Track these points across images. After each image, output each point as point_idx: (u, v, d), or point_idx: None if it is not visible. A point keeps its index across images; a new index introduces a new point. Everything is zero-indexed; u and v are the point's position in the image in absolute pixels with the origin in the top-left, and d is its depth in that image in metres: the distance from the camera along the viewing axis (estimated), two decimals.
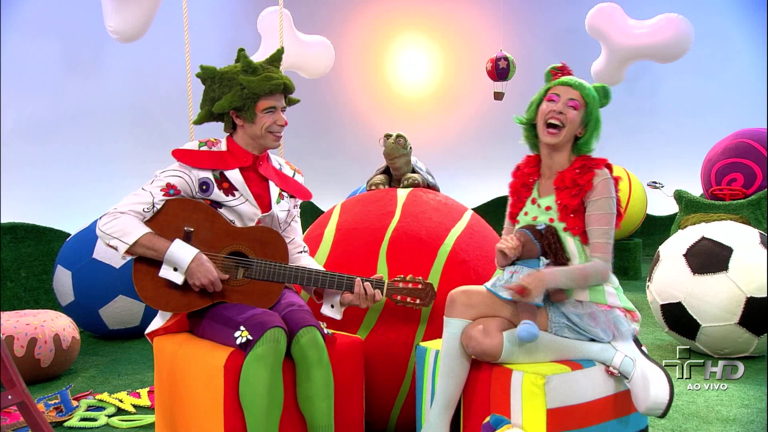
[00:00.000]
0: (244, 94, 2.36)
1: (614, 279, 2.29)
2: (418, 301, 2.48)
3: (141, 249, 2.27)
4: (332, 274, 2.43)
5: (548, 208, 2.28)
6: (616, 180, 2.25)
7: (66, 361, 3.78)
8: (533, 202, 2.33)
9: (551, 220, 2.26)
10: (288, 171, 2.60)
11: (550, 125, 2.26)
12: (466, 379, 2.25)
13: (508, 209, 2.43)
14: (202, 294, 2.34)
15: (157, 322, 2.46)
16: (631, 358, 2.18)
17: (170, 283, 2.31)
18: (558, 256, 2.22)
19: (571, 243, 2.24)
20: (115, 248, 2.28)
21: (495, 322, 2.19)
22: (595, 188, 2.20)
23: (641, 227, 7.21)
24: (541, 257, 2.23)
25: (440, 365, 2.25)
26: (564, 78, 2.31)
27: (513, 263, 2.26)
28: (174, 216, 2.34)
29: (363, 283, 2.43)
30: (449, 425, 2.27)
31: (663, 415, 2.10)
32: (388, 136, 2.99)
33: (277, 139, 2.44)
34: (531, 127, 2.36)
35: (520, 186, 2.37)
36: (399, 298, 2.47)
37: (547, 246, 2.23)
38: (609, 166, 2.25)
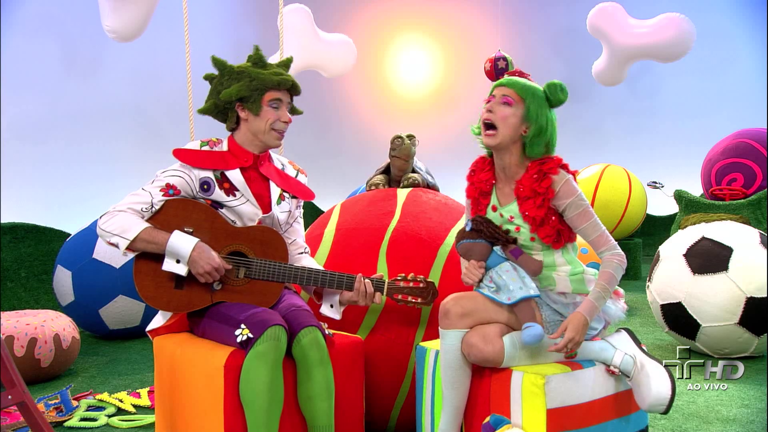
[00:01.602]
0: (252, 85, 2.37)
1: (589, 269, 2.26)
2: (419, 300, 2.45)
3: (142, 244, 2.27)
4: (332, 273, 2.42)
5: (512, 218, 2.24)
6: (574, 174, 2.21)
7: (66, 361, 3.78)
8: (494, 209, 2.28)
9: (518, 228, 2.23)
10: (291, 171, 2.58)
11: (485, 125, 2.23)
12: (469, 386, 2.24)
13: (468, 215, 2.39)
14: (202, 294, 2.34)
15: (158, 320, 2.47)
16: (630, 356, 2.18)
17: (173, 279, 2.32)
18: (500, 237, 2.22)
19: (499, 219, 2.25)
20: (116, 245, 2.28)
21: (494, 328, 2.18)
22: (559, 194, 2.16)
23: (641, 227, 7.19)
24: (494, 248, 2.22)
25: (442, 376, 2.24)
26: (501, 79, 2.29)
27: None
28: (174, 216, 2.34)
29: (363, 280, 2.42)
30: (459, 430, 2.27)
31: (666, 411, 2.10)
32: (399, 137, 2.95)
33: (280, 137, 2.44)
34: None
35: (478, 195, 2.32)
36: (400, 297, 2.45)
37: (486, 237, 2.22)
38: (564, 166, 2.21)
